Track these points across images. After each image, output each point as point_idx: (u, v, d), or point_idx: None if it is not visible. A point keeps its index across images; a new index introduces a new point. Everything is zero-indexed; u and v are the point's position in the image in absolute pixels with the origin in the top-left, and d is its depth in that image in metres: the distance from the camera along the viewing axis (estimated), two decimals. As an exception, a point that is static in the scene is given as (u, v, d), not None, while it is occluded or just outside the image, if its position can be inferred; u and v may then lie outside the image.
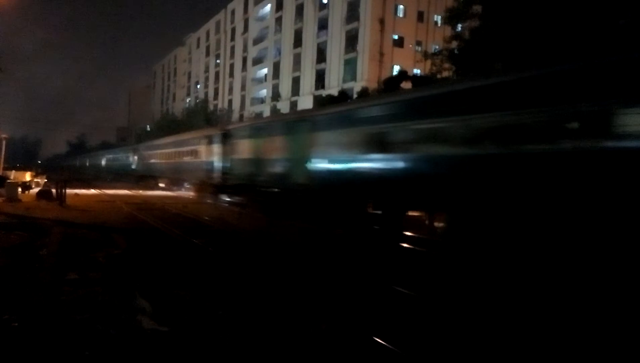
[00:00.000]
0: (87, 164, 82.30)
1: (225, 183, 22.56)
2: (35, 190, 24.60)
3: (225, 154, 22.80)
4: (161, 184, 37.03)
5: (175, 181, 33.37)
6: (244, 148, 20.91)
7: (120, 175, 51.38)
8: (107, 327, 5.51)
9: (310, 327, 5.85)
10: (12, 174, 28.82)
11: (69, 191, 21.61)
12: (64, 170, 70.20)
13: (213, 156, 24.22)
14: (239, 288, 7.66)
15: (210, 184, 24.59)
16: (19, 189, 21.91)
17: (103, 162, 67.07)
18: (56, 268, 8.25)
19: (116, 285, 7.31)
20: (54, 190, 22.28)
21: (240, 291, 7.42)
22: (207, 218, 17.07)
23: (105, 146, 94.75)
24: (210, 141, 24.91)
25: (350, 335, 5.65)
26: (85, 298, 6.55)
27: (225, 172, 22.70)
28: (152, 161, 39.73)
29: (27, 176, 30.02)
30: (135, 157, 46.36)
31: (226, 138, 22.85)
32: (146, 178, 40.78)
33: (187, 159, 29.33)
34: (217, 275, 8.54)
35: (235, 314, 6.30)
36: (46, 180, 31.53)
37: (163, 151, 36.18)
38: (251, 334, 5.60)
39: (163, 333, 5.49)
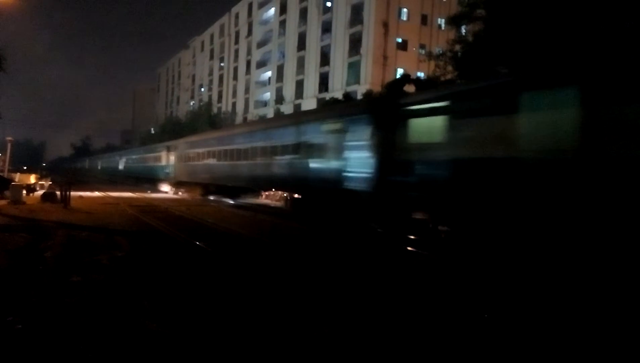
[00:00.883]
0: (99, 167, 74.14)
1: (399, 200, 13.00)
2: (40, 193, 24.68)
3: (392, 150, 13.17)
4: (165, 188, 36.60)
5: (248, 192, 24.96)
6: (472, 138, 10.81)
7: (146, 181, 42.63)
8: (110, 329, 5.49)
9: (313, 331, 5.80)
10: (17, 177, 28.95)
11: (73, 193, 21.67)
12: (70, 173, 67.86)
13: (351, 152, 14.96)
14: (242, 290, 7.62)
15: (343, 199, 15.22)
16: (24, 192, 21.98)
17: (121, 165, 56.70)
18: (60, 270, 8.24)
19: (119, 287, 7.30)
20: (58, 193, 22.35)
21: (243, 294, 7.38)
22: (210, 220, 17.06)
23: (112, 148, 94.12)
24: (344, 129, 15.35)
25: (354, 339, 5.60)
26: (88, 301, 6.53)
27: (391, 180, 13.14)
28: (206, 162, 28.58)
29: (32, 179, 30.15)
30: (172, 158, 35.37)
31: (391, 120, 13.36)
32: (191, 185, 30.94)
33: (283, 159, 19.41)
34: (220, 277, 8.52)
35: (238, 317, 6.26)
36: (50, 183, 31.66)
37: (227, 147, 25.47)
38: (254, 337, 5.56)
39: (167, 335, 5.46)
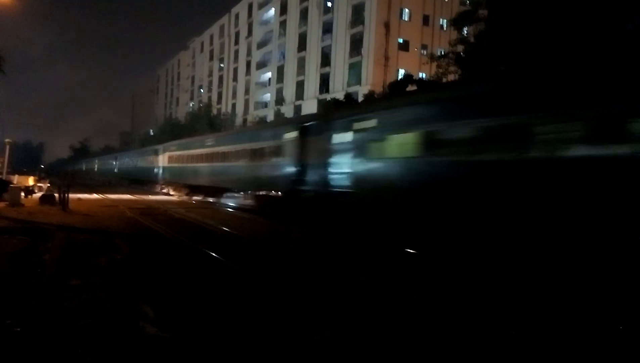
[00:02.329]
0: (115, 169, 58.83)
1: None
2: (38, 195, 24.53)
3: None
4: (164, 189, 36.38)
5: None
6: None
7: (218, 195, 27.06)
8: (109, 332, 5.42)
9: (313, 335, 5.69)
10: (16, 179, 28.79)
11: (71, 195, 21.51)
12: (69, 176, 61.35)
13: None
14: (242, 293, 7.52)
15: None
16: (22, 194, 21.84)
17: (158, 165, 38.74)
18: (59, 273, 8.15)
19: (118, 291, 7.21)
20: (56, 195, 22.19)
21: (242, 297, 7.29)
22: (210, 222, 16.95)
23: (110, 150, 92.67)
24: None
25: (355, 343, 5.49)
26: (87, 304, 6.45)
27: None
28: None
29: (30, 181, 29.99)
30: (311, 149, 16.78)
31: None
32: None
33: None
34: (219, 279, 8.42)
35: (237, 321, 6.17)
36: (49, 185, 31.55)
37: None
38: (254, 342, 5.46)
39: (165, 339, 5.40)
